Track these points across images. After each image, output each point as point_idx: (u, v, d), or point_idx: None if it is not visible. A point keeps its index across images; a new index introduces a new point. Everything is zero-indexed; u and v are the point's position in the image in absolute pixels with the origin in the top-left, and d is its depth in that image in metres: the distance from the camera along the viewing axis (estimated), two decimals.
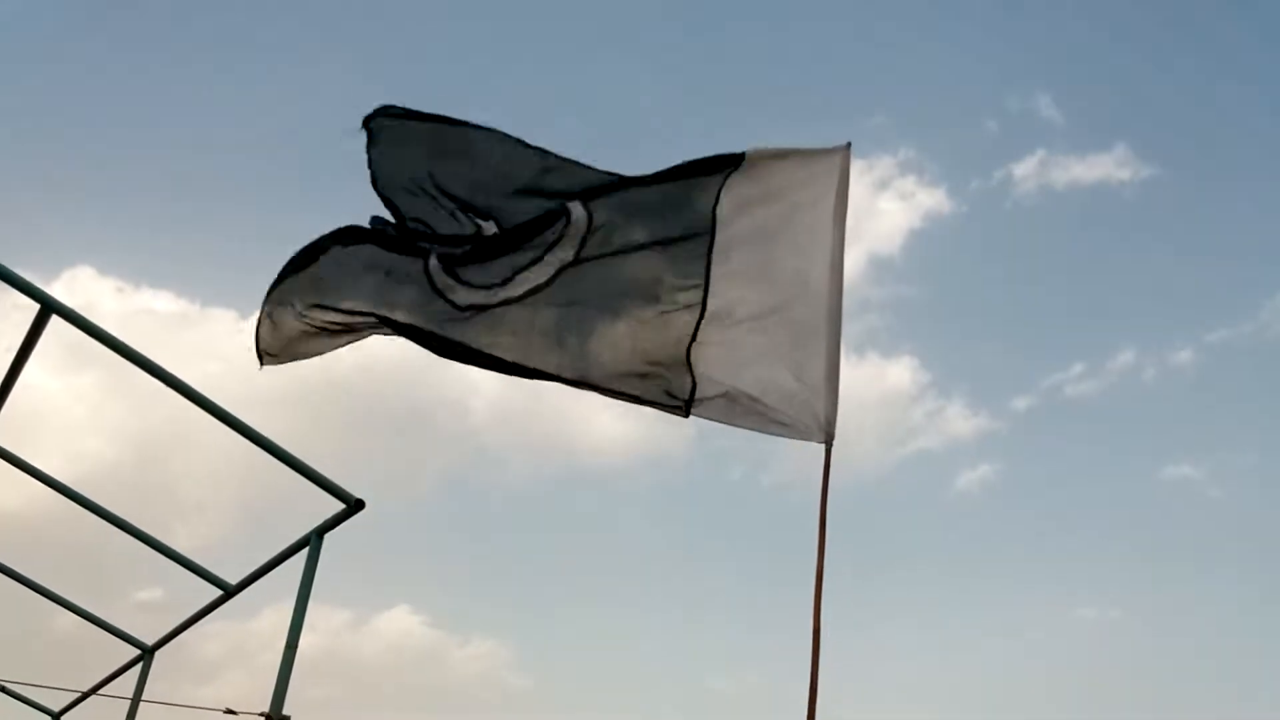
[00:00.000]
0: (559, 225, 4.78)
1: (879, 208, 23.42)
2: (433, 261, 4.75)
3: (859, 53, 25.50)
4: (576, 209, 4.80)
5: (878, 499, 22.52)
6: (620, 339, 4.71)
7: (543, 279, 4.76)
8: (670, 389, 4.64)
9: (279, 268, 4.82)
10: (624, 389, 4.67)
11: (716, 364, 4.64)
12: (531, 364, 4.71)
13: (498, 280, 4.76)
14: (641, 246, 4.81)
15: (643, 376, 4.66)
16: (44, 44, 23.33)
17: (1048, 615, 21.66)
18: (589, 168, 4.90)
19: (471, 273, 4.76)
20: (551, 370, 4.72)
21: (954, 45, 25.13)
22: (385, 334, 4.71)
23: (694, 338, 4.65)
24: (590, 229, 4.78)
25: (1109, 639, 20.70)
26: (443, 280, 4.74)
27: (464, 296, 4.73)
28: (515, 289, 4.75)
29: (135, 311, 22.40)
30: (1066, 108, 23.84)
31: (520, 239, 4.79)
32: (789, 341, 4.59)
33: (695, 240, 4.76)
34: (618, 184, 4.85)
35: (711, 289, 4.71)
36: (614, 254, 4.81)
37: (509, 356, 4.68)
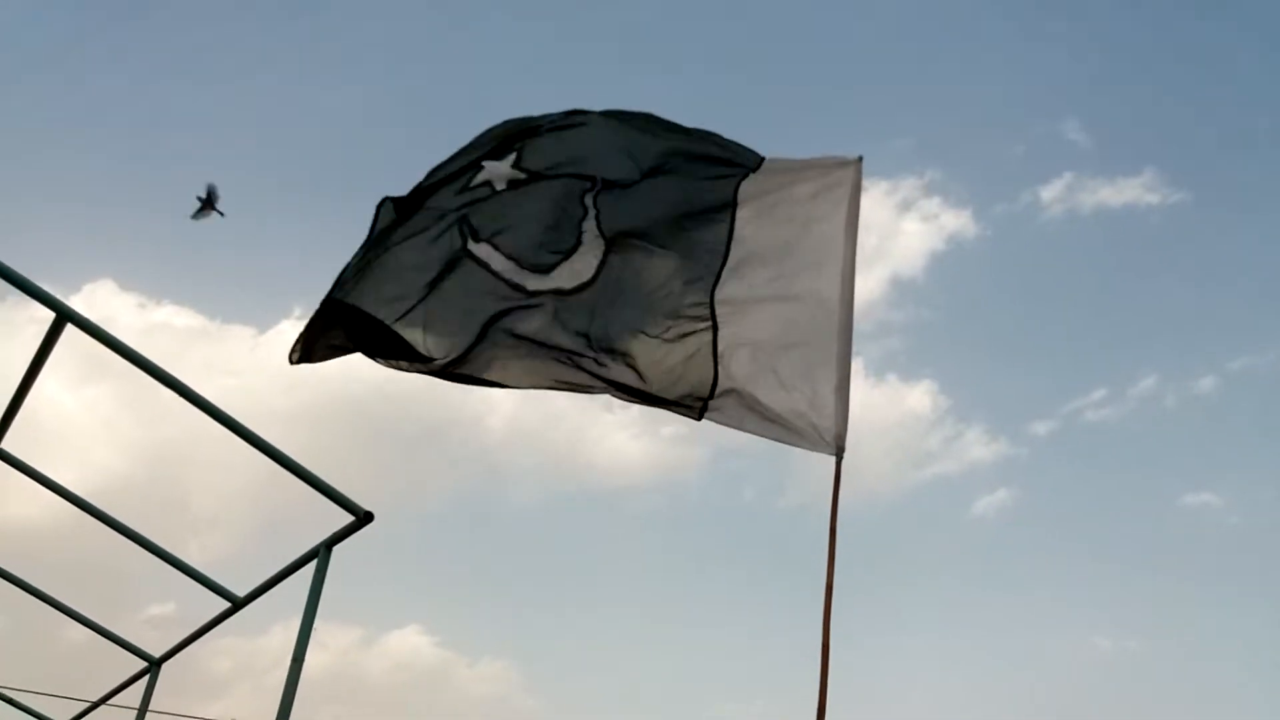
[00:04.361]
0: (578, 221, 4.79)
1: (902, 229, 23.28)
2: (480, 247, 4.76)
3: (886, 74, 25.54)
4: (590, 227, 4.80)
5: (894, 522, 22.38)
6: (638, 350, 4.73)
7: (585, 278, 4.77)
8: (687, 393, 4.69)
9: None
10: (642, 389, 4.70)
11: (731, 374, 4.68)
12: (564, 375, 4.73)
13: (544, 263, 4.76)
14: (659, 252, 4.84)
15: (661, 383, 4.69)
16: (55, 55, 23.64)
17: (1063, 642, 21.42)
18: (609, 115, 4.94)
19: (508, 243, 4.75)
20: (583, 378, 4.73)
21: (981, 68, 25.13)
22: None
23: (715, 350, 4.66)
24: (607, 237, 4.79)
25: (1124, 667, 20.44)
26: (500, 262, 4.75)
27: (531, 281, 4.73)
28: (563, 280, 4.75)
29: (155, 326, 22.60)
30: (1094, 132, 23.77)
31: (544, 213, 4.80)
32: (801, 354, 4.61)
33: (710, 253, 4.79)
34: (638, 179, 4.86)
35: (725, 303, 4.74)
36: (634, 258, 4.82)
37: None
